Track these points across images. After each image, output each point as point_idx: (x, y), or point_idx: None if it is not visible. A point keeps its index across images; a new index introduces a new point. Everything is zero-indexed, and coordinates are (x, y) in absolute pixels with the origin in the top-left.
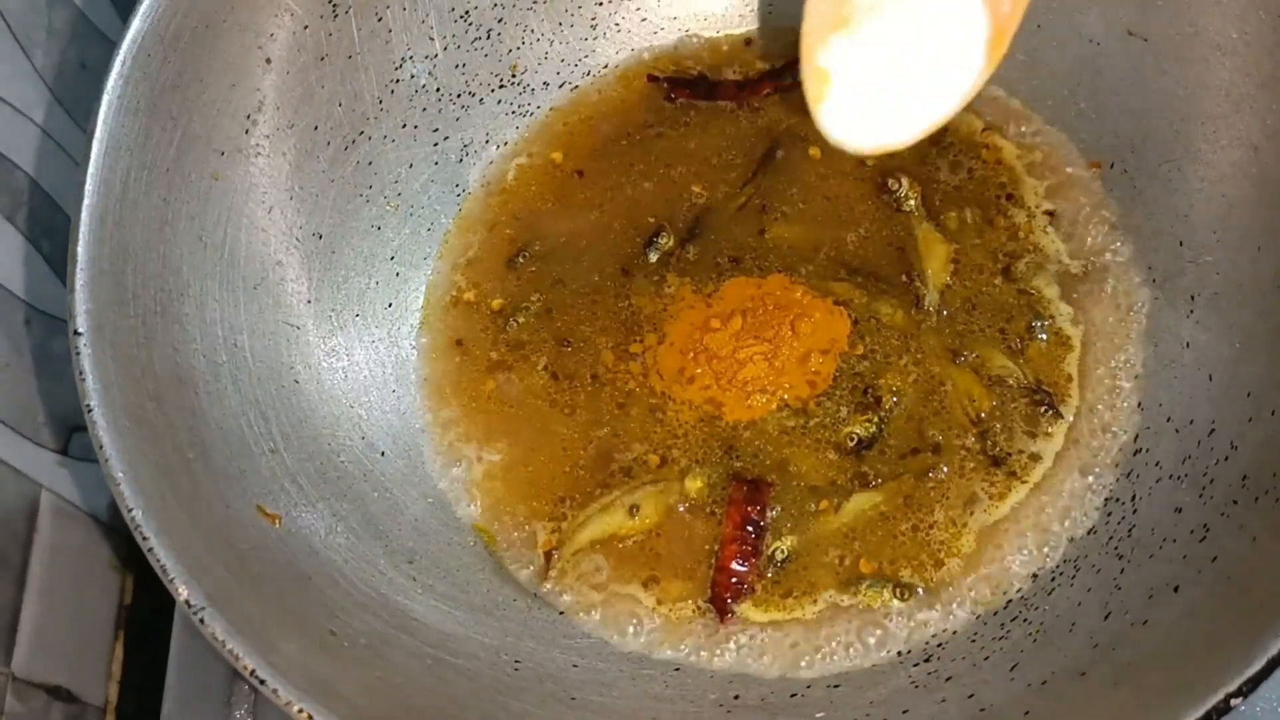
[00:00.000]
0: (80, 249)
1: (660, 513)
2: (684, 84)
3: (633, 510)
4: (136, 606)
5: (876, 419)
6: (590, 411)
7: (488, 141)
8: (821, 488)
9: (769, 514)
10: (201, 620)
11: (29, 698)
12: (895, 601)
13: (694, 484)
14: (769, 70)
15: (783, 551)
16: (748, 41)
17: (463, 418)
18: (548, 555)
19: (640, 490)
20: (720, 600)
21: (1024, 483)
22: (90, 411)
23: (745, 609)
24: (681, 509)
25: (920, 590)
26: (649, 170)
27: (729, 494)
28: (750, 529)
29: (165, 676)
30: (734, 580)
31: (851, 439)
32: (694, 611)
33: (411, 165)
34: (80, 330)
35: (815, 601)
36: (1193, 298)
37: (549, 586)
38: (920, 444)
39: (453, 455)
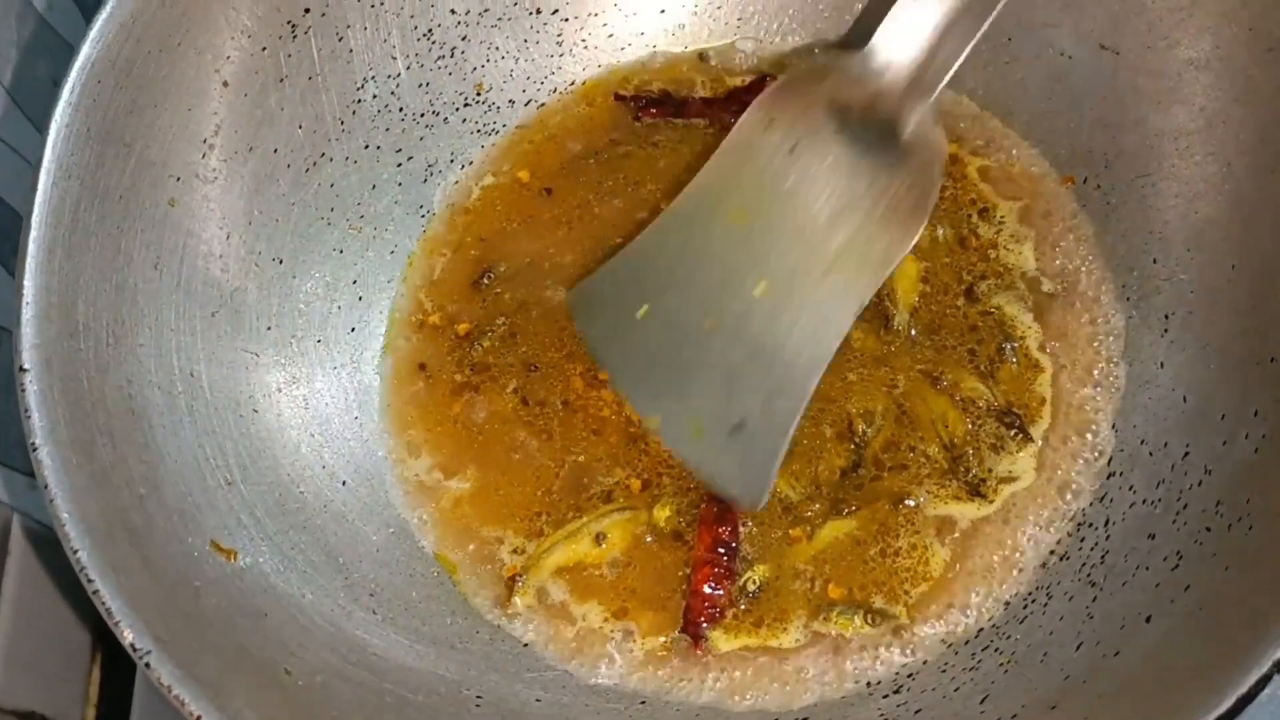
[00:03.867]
0: (27, 282)
1: (627, 541)
2: (651, 103)
3: (599, 538)
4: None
5: (853, 446)
6: (563, 438)
7: (452, 161)
8: (796, 514)
9: (740, 534)
10: (148, 665)
11: None
12: (867, 628)
13: (662, 512)
14: (737, 87)
15: (755, 581)
16: (701, 56)
17: (426, 443)
18: (510, 581)
19: (607, 518)
20: (694, 625)
21: (995, 507)
22: (35, 450)
23: (716, 637)
24: (649, 539)
25: (892, 616)
26: (617, 189)
27: (699, 514)
28: (722, 550)
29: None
30: (707, 605)
31: (832, 471)
32: (662, 644)
33: (375, 187)
34: (26, 366)
35: (786, 629)
36: (1167, 317)
37: (509, 614)
38: (895, 470)
39: (415, 483)
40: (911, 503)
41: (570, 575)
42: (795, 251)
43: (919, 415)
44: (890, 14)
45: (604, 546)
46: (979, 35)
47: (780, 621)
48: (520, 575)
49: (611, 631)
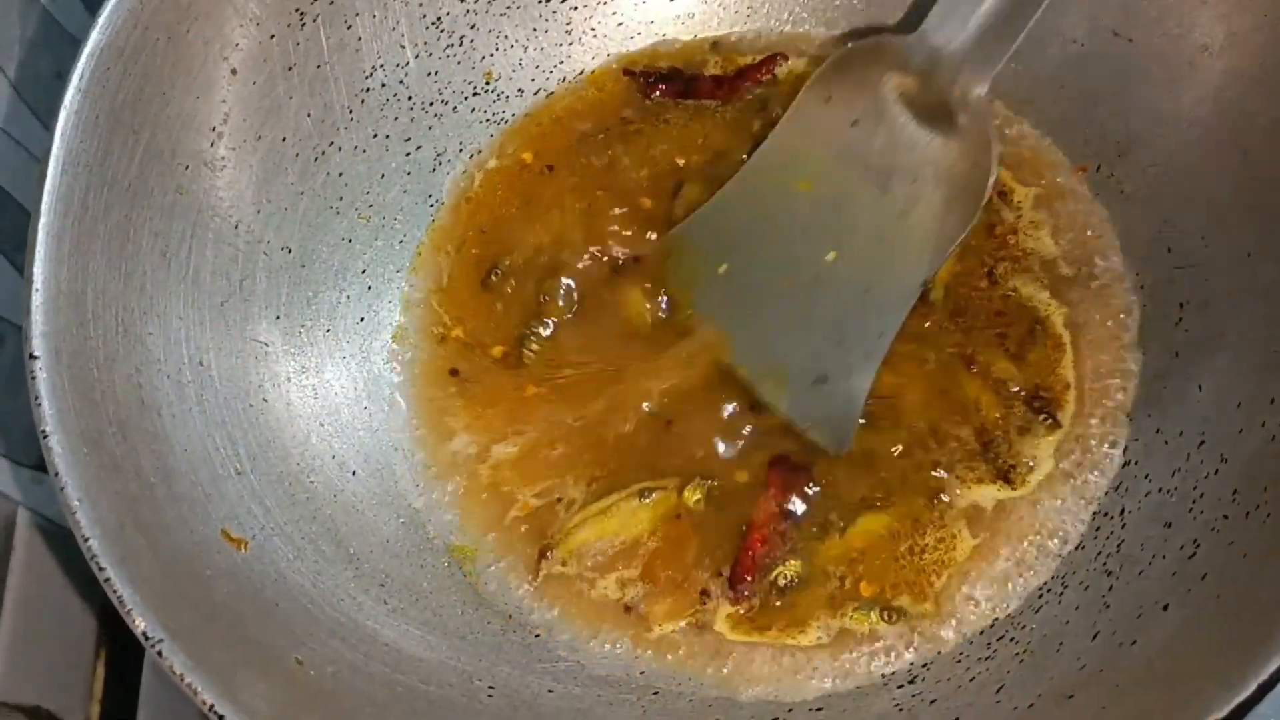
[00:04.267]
0: (36, 270)
1: (653, 522)
2: (661, 79)
3: (628, 515)
4: (118, 624)
5: (901, 432)
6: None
7: (461, 150)
8: (836, 505)
9: (808, 496)
10: (160, 653)
11: (7, 719)
12: (882, 624)
13: (692, 495)
14: (748, 65)
15: (786, 576)
16: (713, 45)
17: (466, 427)
18: (542, 551)
19: (639, 499)
20: (740, 580)
21: (1020, 495)
22: (46, 438)
23: (729, 628)
24: (677, 517)
25: (908, 611)
26: (632, 162)
27: (765, 477)
28: (783, 517)
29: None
30: (755, 564)
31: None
32: (677, 632)
33: (383, 176)
34: (37, 354)
35: (806, 626)
36: (1182, 305)
37: (536, 581)
38: (929, 452)
39: (448, 457)
40: (946, 497)
41: (592, 552)
42: (861, 222)
43: (954, 397)
44: None
45: (631, 525)
46: (1032, 20)
47: (797, 626)
48: (552, 547)
49: (625, 619)
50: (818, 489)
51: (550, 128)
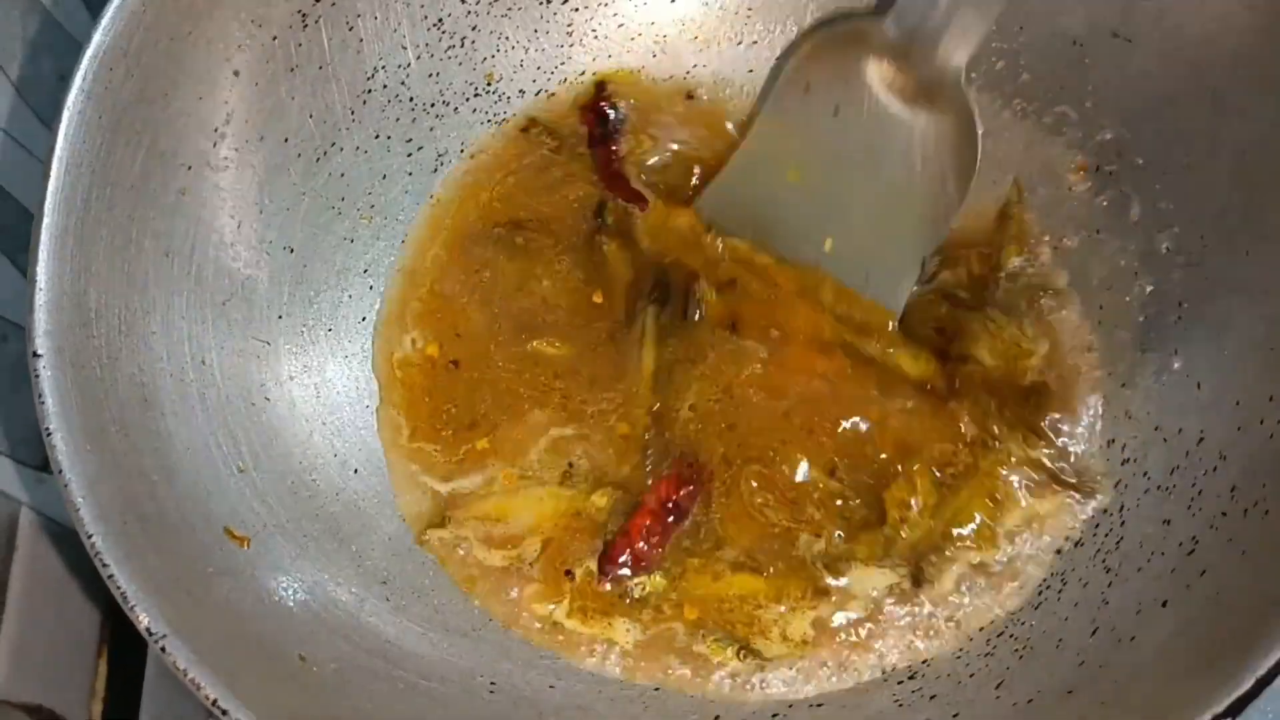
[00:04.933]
0: (40, 269)
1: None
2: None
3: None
4: (120, 623)
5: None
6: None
7: (462, 151)
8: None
9: (694, 506)
10: (163, 649)
11: (9, 718)
12: (735, 661)
13: (599, 500)
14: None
15: (644, 589)
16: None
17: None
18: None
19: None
20: (610, 563)
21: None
22: (50, 435)
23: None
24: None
25: (764, 654)
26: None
27: (666, 471)
28: (670, 511)
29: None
30: (632, 553)
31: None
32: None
33: (385, 176)
34: (40, 352)
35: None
36: (1181, 304)
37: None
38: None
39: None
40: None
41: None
42: (855, 208)
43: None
44: None
45: (530, 511)
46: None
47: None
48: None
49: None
50: (703, 516)
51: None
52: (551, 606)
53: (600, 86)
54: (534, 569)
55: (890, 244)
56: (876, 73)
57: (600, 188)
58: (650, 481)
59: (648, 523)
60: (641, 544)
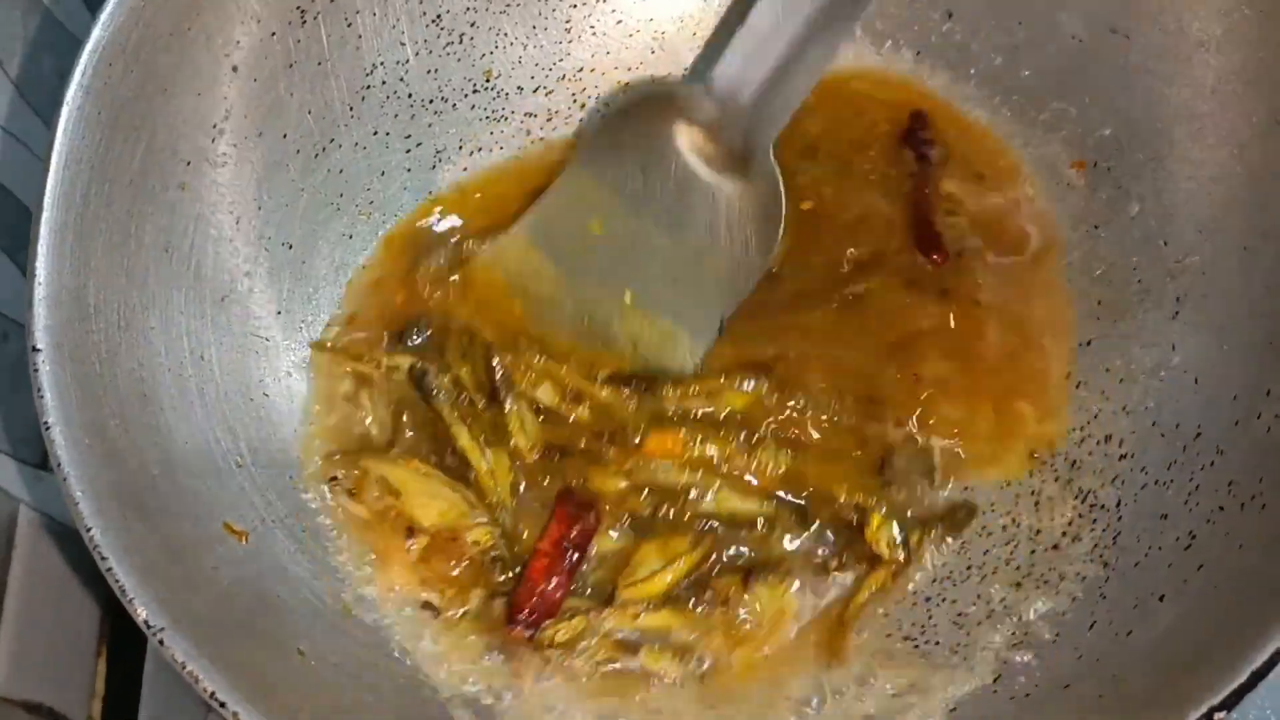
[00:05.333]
0: (39, 264)
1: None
2: None
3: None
4: (120, 621)
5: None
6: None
7: (461, 148)
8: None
9: (591, 547)
10: (161, 642)
11: (9, 716)
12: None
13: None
14: None
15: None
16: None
17: None
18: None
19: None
20: (521, 614)
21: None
22: (48, 429)
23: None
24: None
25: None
26: None
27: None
28: (568, 549)
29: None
30: (538, 599)
31: None
32: None
33: (383, 173)
34: (39, 346)
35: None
36: (1179, 299)
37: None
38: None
39: None
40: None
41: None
42: (655, 264)
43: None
44: (729, 48)
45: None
46: (817, 78)
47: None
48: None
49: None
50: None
51: None
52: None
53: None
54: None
55: (688, 302)
56: (686, 138)
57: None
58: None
59: (544, 564)
60: (547, 589)
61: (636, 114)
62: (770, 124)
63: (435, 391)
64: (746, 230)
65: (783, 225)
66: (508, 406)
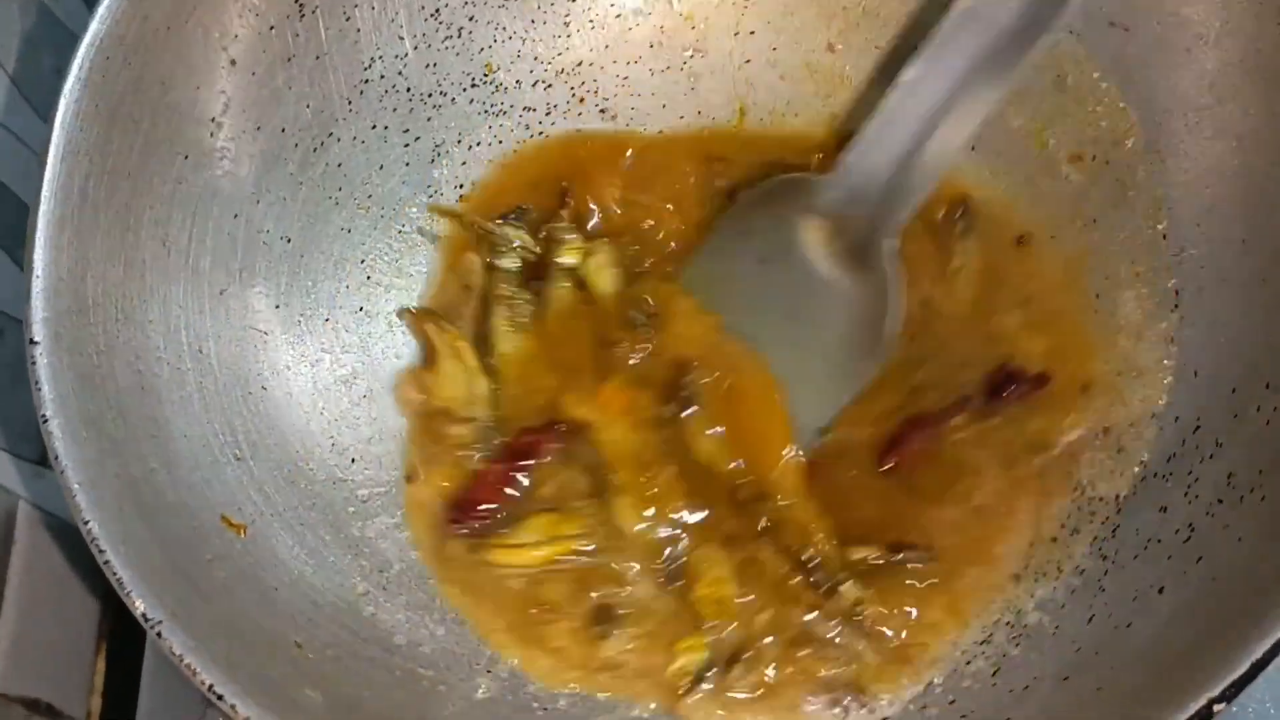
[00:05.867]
0: (37, 258)
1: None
2: None
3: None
4: (119, 617)
5: None
6: None
7: (460, 142)
8: None
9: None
10: (159, 634)
11: (7, 712)
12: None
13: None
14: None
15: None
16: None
17: None
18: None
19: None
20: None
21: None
22: (46, 422)
23: None
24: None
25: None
26: None
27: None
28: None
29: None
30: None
31: None
32: None
33: (382, 167)
34: (37, 339)
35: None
36: (1177, 293)
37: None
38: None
39: None
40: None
41: None
42: (771, 356)
43: None
44: (856, 137)
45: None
46: (940, 173)
47: None
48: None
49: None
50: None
51: None
52: None
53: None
54: None
55: (801, 394)
56: (808, 229)
57: None
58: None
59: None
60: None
61: (765, 201)
62: (890, 225)
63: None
64: (862, 327)
65: (898, 324)
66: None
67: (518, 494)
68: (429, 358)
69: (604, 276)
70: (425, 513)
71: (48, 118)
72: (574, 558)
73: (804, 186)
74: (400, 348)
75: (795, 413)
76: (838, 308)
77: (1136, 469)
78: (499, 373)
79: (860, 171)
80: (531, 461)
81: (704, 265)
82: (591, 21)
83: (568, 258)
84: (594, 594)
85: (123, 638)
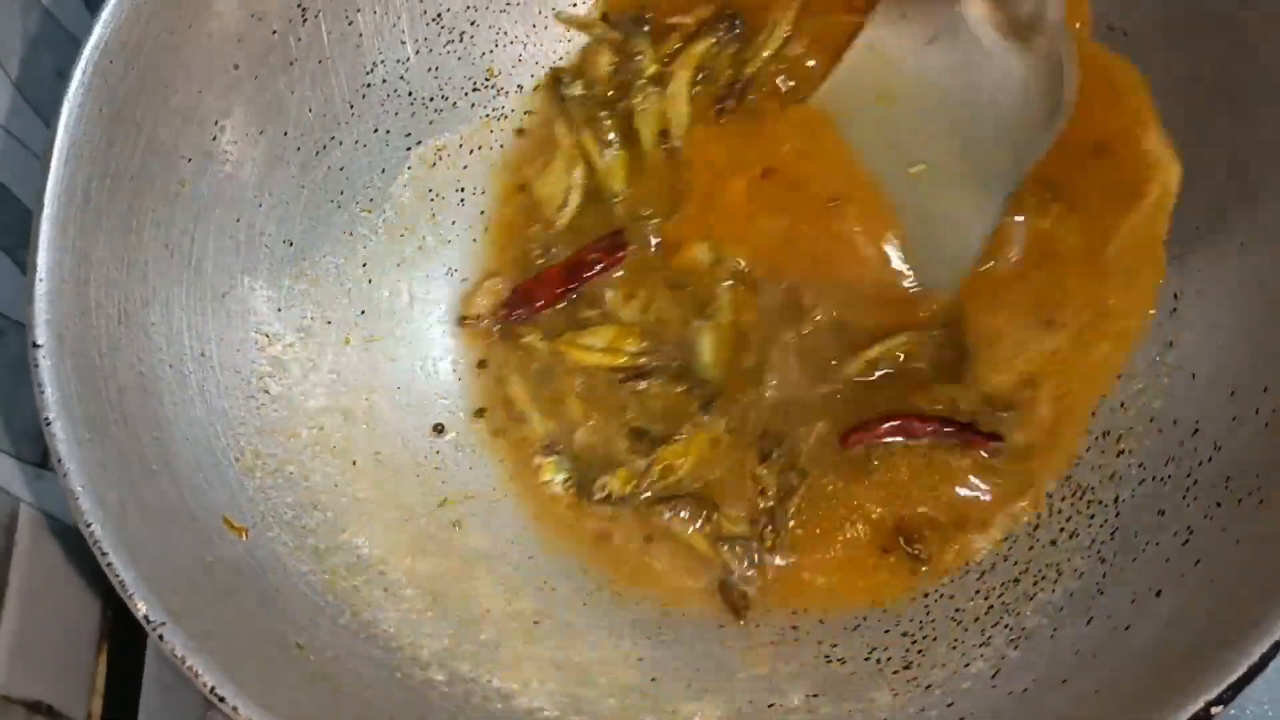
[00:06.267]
0: (40, 259)
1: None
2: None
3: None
4: (120, 619)
5: None
6: None
7: (461, 146)
8: None
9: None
10: (161, 636)
11: (9, 714)
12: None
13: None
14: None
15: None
16: None
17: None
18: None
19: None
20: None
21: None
22: (49, 424)
23: None
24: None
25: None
26: None
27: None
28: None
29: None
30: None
31: None
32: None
33: (384, 170)
34: (39, 342)
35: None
36: (1176, 295)
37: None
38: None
39: None
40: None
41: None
42: (943, 136)
43: None
44: None
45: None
46: None
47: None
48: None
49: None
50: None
51: None
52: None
53: None
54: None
55: (978, 174)
56: (973, 6)
57: None
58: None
59: (557, 273)
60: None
61: None
62: None
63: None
64: (1031, 104)
65: (1071, 98)
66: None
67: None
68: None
69: None
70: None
71: (49, 120)
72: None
73: None
74: (401, 350)
75: (970, 193)
76: (1010, 80)
77: (1135, 472)
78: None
79: None
80: (593, 273)
81: (863, 54)
82: None
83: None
84: None
85: (124, 639)
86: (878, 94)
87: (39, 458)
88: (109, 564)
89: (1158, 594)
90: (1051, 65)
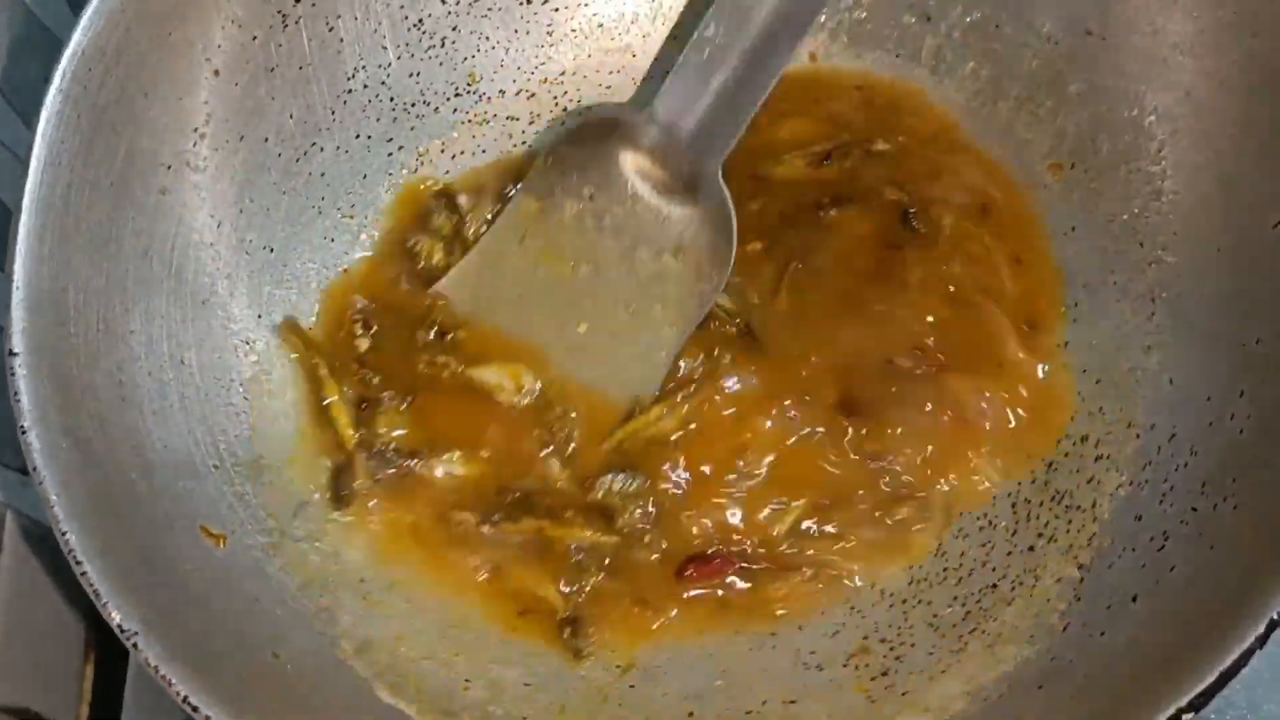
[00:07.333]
0: (18, 268)
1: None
2: None
3: None
4: (107, 626)
5: None
6: None
7: (443, 151)
8: None
9: None
10: (135, 645)
11: None
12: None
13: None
14: None
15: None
16: None
17: None
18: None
19: None
20: None
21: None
22: (25, 433)
23: None
24: None
25: None
26: None
27: None
28: None
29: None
30: None
31: None
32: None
33: (365, 176)
34: (17, 350)
35: None
36: (1153, 300)
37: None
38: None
39: None
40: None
41: None
42: (608, 293)
43: None
44: (671, 75)
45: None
46: (758, 105)
47: None
48: None
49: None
50: None
51: None
52: None
53: None
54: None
55: (644, 330)
56: (633, 162)
57: None
58: None
59: None
60: None
61: (583, 139)
62: (716, 149)
63: None
64: (699, 254)
65: (734, 246)
66: None
67: None
68: None
69: None
70: None
71: (33, 123)
72: None
73: (618, 124)
74: None
75: (644, 342)
76: (674, 235)
77: (1112, 477)
78: None
79: (671, 111)
80: None
81: (526, 207)
82: (574, 30)
83: None
84: None
85: (111, 646)
86: (542, 249)
87: (23, 463)
88: (84, 573)
89: (1133, 600)
90: (714, 215)
